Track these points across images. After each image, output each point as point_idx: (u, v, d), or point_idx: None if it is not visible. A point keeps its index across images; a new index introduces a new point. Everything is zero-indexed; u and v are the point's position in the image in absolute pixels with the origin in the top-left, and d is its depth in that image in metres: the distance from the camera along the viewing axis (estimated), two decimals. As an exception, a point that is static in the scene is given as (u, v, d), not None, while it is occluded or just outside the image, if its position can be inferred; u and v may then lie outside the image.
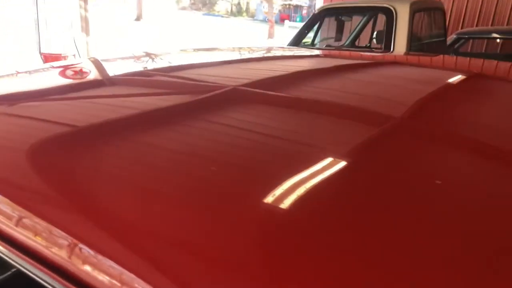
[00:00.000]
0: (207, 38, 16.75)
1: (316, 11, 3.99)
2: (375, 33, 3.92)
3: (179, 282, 0.35)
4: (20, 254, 0.40)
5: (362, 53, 2.19)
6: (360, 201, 0.47)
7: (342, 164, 0.56)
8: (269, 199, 0.45)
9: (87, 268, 0.37)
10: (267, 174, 0.53)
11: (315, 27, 4.14)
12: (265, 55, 1.73)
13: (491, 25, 5.99)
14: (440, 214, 0.45)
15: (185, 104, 0.84)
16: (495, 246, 0.39)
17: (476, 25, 6.07)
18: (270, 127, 0.71)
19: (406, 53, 2.77)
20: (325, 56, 1.85)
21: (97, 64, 1.22)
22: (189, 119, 0.73)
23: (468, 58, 2.35)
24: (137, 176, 0.52)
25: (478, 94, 1.11)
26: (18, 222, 0.43)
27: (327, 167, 0.54)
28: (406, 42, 3.14)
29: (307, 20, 4.12)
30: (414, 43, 3.28)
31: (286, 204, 0.45)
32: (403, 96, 0.99)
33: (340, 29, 4.39)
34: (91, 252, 0.38)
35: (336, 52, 2.10)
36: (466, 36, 4.81)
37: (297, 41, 3.95)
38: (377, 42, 3.60)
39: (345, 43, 4.38)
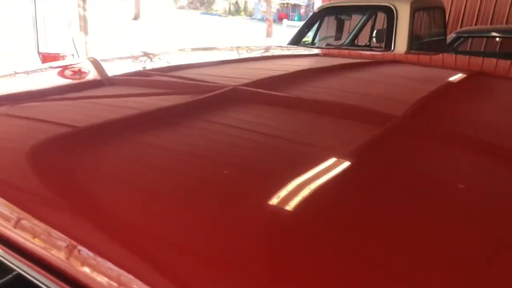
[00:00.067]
0: (205, 37, 16.76)
1: (317, 10, 3.99)
2: (375, 32, 3.91)
3: (178, 283, 0.34)
4: (19, 257, 0.40)
5: (363, 52, 2.19)
6: (362, 201, 0.46)
7: (344, 163, 0.56)
8: (269, 199, 0.45)
9: (87, 270, 0.36)
10: (267, 174, 0.52)
11: (315, 26, 4.13)
12: (265, 54, 1.72)
13: (490, 24, 6.00)
14: (445, 214, 0.44)
15: (185, 104, 0.84)
16: (500, 245, 0.39)
17: (475, 24, 6.09)
18: (271, 127, 0.71)
19: (407, 52, 2.77)
20: (326, 55, 1.85)
21: (96, 64, 1.22)
22: (190, 119, 0.72)
23: (468, 57, 2.35)
24: (136, 177, 0.51)
25: (481, 92, 1.11)
26: (17, 224, 0.42)
27: (328, 167, 0.54)
28: (407, 41, 3.14)
29: (307, 19, 4.11)
30: (415, 42, 3.28)
31: (287, 204, 0.44)
32: (405, 95, 0.99)
33: (340, 28, 4.39)
34: (90, 253, 0.37)
35: (337, 51, 2.09)
36: (465, 35, 4.82)
37: (297, 40, 3.95)
38: (378, 41, 3.59)
39: (344, 42, 4.38)
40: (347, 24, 4.62)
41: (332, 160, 0.56)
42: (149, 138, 0.63)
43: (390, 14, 3.26)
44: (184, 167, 0.55)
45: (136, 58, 1.40)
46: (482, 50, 5.90)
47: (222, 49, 1.67)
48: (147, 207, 0.44)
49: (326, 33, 4.60)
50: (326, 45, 4.00)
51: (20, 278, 0.40)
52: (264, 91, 0.92)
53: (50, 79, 1.06)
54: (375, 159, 0.59)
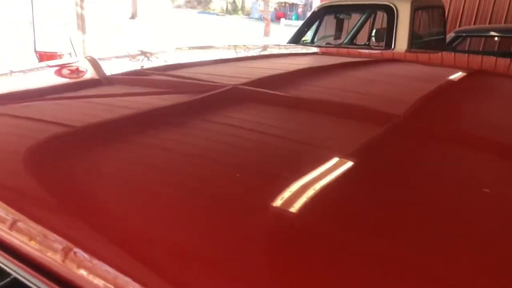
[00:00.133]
0: (203, 36, 16.77)
1: (316, 9, 3.98)
2: (375, 31, 3.92)
3: (176, 286, 0.34)
4: (15, 261, 0.39)
5: (363, 51, 2.19)
6: (364, 201, 0.46)
7: (345, 163, 0.55)
8: (269, 199, 0.44)
9: (83, 272, 0.36)
10: (268, 174, 0.52)
11: (315, 25, 4.13)
12: (264, 53, 1.72)
13: (489, 23, 6.02)
14: (449, 213, 0.44)
15: (185, 103, 0.83)
16: (501, 246, 0.39)
17: (474, 24, 6.12)
18: (271, 126, 0.71)
19: (407, 51, 2.78)
20: (326, 54, 1.85)
21: (94, 62, 1.21)
22: (189, 118, 0.72)
23: (467, 55, 2.36)
24: (134, 177, 0.50)
25: (480, 90, 1.11)
26: (12, 226, 0.41)
27: (329, 166, 0.53)
28: (407, 40, 3.14)
29: (307, 18, 4.11)
30: (415, 41, 3.29)
31: (288, 204, 0.44)
32: (406, 94, 0.99)
33: (339, 27, 4.40)
34: (87, 256, 0.36)
35: (337, 50, 2.09)
36: (464, 34, 4.84)
37: (296, 39, 3.95)
38: (378, 40, 3.60)
39: (344, 41, 4.38)
40: (346, 23, 4.63)
41: (332, 160, 0.56)
42: (147, 138, 0.62)
43: (391, 13, 3.27)
44: (182, 167, 0.54)
45: (133, 57, 1.39)
46: (480, 49, 5.93)
47: (221, 48, 1.66)
48: (144, 208, 0.43)
49: (326, 32, 4.60)
50: (325, 44, 4.00)
51: (16, 282, 0.39)
52: (263, 90, 0.91)
53: (46, 78, 1.05)
54: (378, 158, 0.58)
